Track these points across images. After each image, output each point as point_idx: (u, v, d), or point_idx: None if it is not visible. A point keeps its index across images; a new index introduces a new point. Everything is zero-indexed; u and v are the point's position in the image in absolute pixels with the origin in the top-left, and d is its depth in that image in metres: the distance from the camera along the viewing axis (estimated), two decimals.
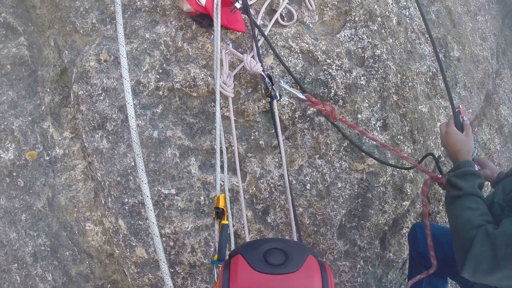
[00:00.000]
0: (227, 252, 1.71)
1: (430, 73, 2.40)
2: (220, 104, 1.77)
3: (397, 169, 2.07)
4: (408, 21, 2.32)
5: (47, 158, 1.87)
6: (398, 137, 2.16)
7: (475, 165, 1.44)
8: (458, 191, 1.31)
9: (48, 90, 1.95)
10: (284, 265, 0.85)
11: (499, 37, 3.24)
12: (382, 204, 2.13)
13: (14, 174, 1.86)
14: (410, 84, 2.22)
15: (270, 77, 1.70)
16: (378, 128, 2.10)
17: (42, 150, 1.87)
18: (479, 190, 1.31)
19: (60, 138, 1.89)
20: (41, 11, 2.08)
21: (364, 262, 2.15)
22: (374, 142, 2.06)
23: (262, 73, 1.66)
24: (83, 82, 1.83)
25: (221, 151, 1.69)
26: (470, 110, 2.69)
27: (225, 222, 1.36)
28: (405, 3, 2.33)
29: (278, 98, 1.73)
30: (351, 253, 2.12)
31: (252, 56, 1.74)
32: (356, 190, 2.06)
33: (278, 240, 0.93)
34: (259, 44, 1.82)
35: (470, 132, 1.45)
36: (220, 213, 1.37)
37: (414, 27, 2.36)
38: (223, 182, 1.76)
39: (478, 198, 1.28)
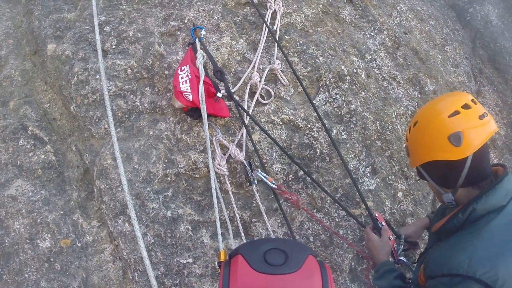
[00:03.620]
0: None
1: (409, 112, 2.63)
2: (219, 181, 2.05)
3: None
4: (376, 71, 2.59)
5: (79, 244, 2.16)
6: (390, 177, 2.36)
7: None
8: None
9: (75, 187, 2.28)
10: (284, 265, 0.84)
11: (472, 59, 3.46)
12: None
13: (52, 259, 2.14)
14: (390, 127, 2.45)
15: (250, 165, 2.00)
16: (368, 174, 2.30)
17: (74, 238, 2.16)
18: (397, 280, 1.56)
19: (89, 227, 2.18)
20: (61, 122, 2.46)
21: None
22: (368, 187, 2.27)
23: (244, 161, 1.96)
24: (103, 177, 2.15)
25: (226, 221, 1.96)
26: None
27: None
28: (370, 57, 2.61)
29: (256, 183, 2.03)
30: None
31: (237, 143, 2.04)
32: (358, 234, 2.23)
33: (278, 240, 0.95)
34: (246, 122, 2.12)
35: (386, 236, 1.78)
36: (220, 265, 1.56)
37: (384, 75, 2.62)
38: (231, 246, 2.01)
39: None
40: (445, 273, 1.22)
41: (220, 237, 1.76)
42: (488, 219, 1.24)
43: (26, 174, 2.33)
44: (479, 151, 1.24)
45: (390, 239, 1.83)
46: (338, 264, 2.18)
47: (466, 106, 1.26)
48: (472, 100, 1.28)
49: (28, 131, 2.43)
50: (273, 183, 1.99)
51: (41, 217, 2.23)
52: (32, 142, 2.41)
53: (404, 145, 2.42)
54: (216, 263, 1.59)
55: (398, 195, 2.37)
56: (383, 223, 1.89)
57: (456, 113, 1.25)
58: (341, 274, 2.19)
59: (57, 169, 2.36)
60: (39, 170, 2.32)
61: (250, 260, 0.85)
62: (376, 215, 1.94)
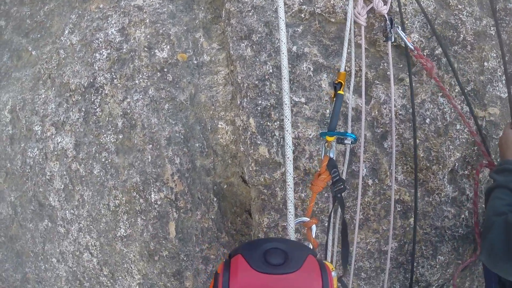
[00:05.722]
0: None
1: None
2: (354, 32, 1.95)
3: None
4: None
5: (195, 61, 2.16)
6: None
7: None
8: (493, 183, 1.43)
9: (203, 8, 2.28)
10: (284, 265, 0.86)
11: None
12: (497, 158, 2.10)
13: (165, 70, 2.17)
14: None
15: (391, 21, 1.89)
16: (504, 81, 2.10)
17: (192, 54, 2.18)
18: None
19: (208, 48, 2.18)
20: None
21: (469, 214, 2.12)
22: (500, 94, 2.08)
23: (386, 15, 1.84)
24: (235, 0, 2.12)
25: (351, 73, 1.86)
26: None
27: (341, 92, 1.43)
28: None
29: (392, 40, 1.91)
30: (458, 202, 2.10)
31: None
32: (473, 137, 2.06)
33: (278, 240, 0.95)
34: None
35: None
36: (338, 86, 1.46)
37: None
38: (348, 100, 1.92)
39: (508, 190, 1.35)
40: None
41: (345, 53, 1.58)
42: None
43: None
44: None
45: None
46: (443, 158, 2.03)
47: None
48: None
49: None
50: (412, 44, 1.87)
51: (163, 29, 2.27)
52: None
53: None
54: (333, 83, 1.48)
55: None
56: None
57: None
58: (442, 169, 2.05)
59: None
60: None
61: (249, 259, 0.86)
62: None
